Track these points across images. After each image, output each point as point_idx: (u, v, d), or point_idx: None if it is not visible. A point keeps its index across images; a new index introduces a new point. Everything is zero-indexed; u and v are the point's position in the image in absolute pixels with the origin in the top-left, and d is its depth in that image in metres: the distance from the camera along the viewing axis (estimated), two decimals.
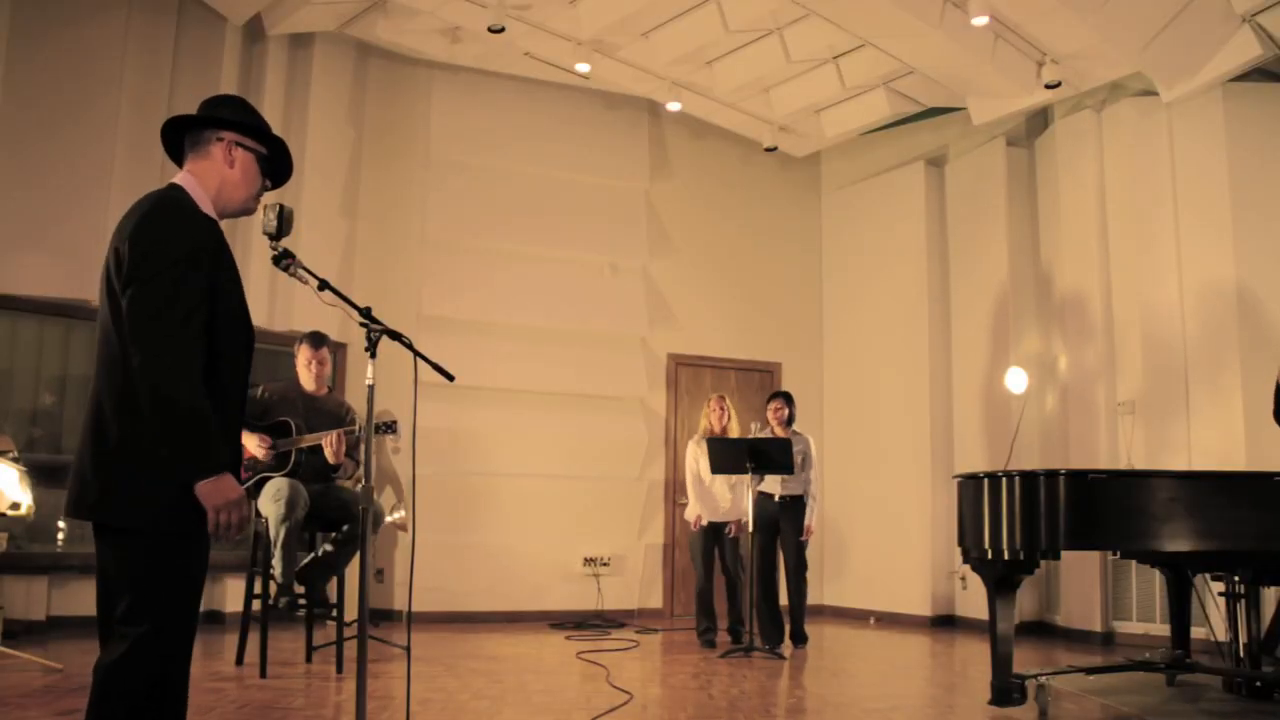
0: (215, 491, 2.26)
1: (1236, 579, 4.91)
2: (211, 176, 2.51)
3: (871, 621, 8.91)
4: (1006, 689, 4.62)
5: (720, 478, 7.08)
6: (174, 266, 2.28)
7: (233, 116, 2.56)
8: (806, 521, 7.09)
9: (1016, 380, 7.57)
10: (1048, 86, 7.71)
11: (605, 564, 8.67)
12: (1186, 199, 7.49)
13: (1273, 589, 5.27)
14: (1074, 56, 7.56)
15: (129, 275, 2.28)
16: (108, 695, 2.23)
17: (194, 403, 2.25)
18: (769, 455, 6.71)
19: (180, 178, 2.50)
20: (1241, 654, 4.93)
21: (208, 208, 2.47)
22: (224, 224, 2.53)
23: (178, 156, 2.58)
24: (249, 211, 2.60)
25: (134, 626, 2.24)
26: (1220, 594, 5.13)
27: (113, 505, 2.29)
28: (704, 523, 7.08)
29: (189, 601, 2.34)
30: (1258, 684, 4.89)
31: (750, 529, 6.81)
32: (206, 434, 2.27)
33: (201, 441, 2.26)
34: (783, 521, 7.11)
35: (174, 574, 2.30)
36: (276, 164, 2.64)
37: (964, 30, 7.19)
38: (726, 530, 7.10)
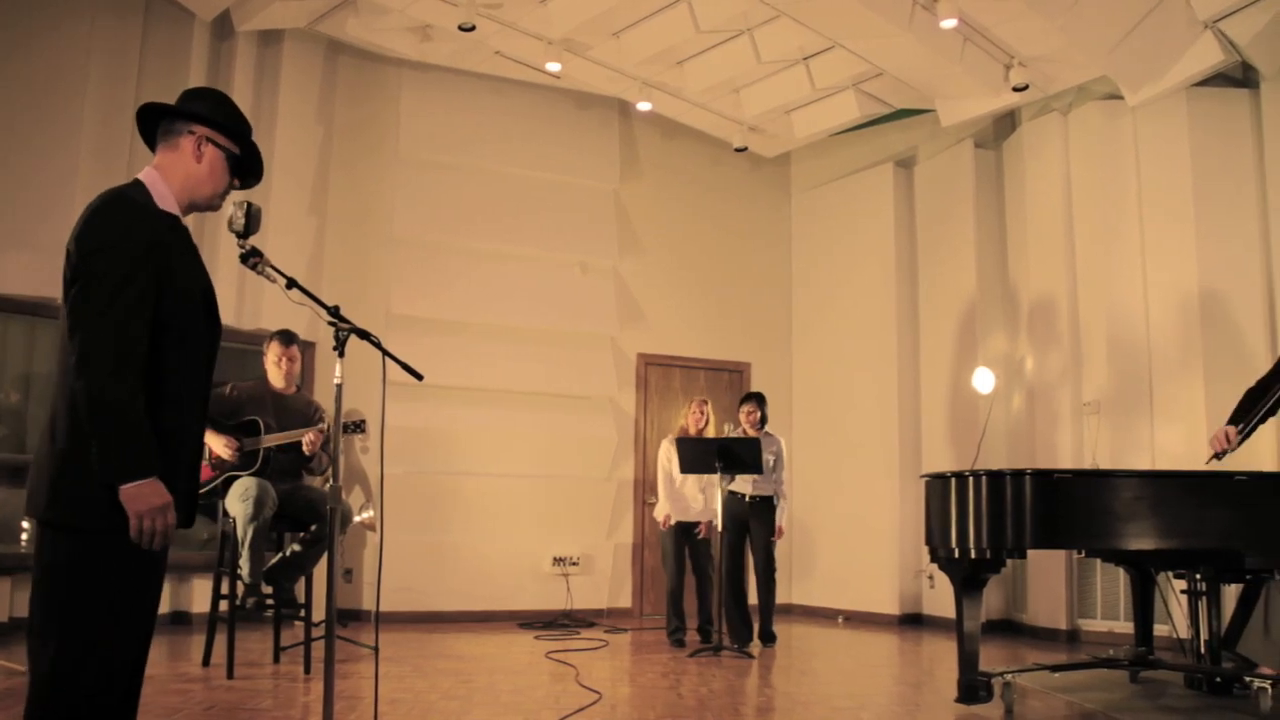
0: (137, 496, 2.20)
1: (1198, 577, 4.97)
2: (178, 169, 2.47)
3: (840, 620, 8.96)
4: (973, 686, 4.67)
5: (692, 478, 7.09)
6: (116, 265, 2.24)
7: (207, 112, 2.52)
8: (778, 522, 7.12)
9: (983, 380, 7.64)
10: (1015, 89, 7.79)
11: (574, 564, 8.67)
12: (1151, 201, 7.58)
13: (1233, 586, 5.34)
14: (1041, 60, 7.64)
15: (73, 274, 2.26)
16: (44, 700, 2.18)
17: (123, 403, 2.20)
18: (738, 455, 6.73)
19: (144, 173, 2.46)
20: (1203, 650, 4.99)
21: (168, 203, 2.43)
22: (191, 220, 2.49)
23: (152, 144, 2.55)
24: (214, 208, 2.57)
25: (65, 627, 2.19)
26: (1182, 592, 5.20)
27: (58, 503, 2.24)
28: (673, 522, 7.10)
29: (128, 601, 2.27)
30: (1218, 680, 4.96)
31: (719, 529, 6.84)
32: (133, 435, 2.21)
33: (127, 443, 2.21)
34: (752, 521, 7.14)
35: (109, 573, 2.24)
36: (247, 164, 2.60)
37: (933, 32, 7.24)
38: (696, 531, 7.12)
